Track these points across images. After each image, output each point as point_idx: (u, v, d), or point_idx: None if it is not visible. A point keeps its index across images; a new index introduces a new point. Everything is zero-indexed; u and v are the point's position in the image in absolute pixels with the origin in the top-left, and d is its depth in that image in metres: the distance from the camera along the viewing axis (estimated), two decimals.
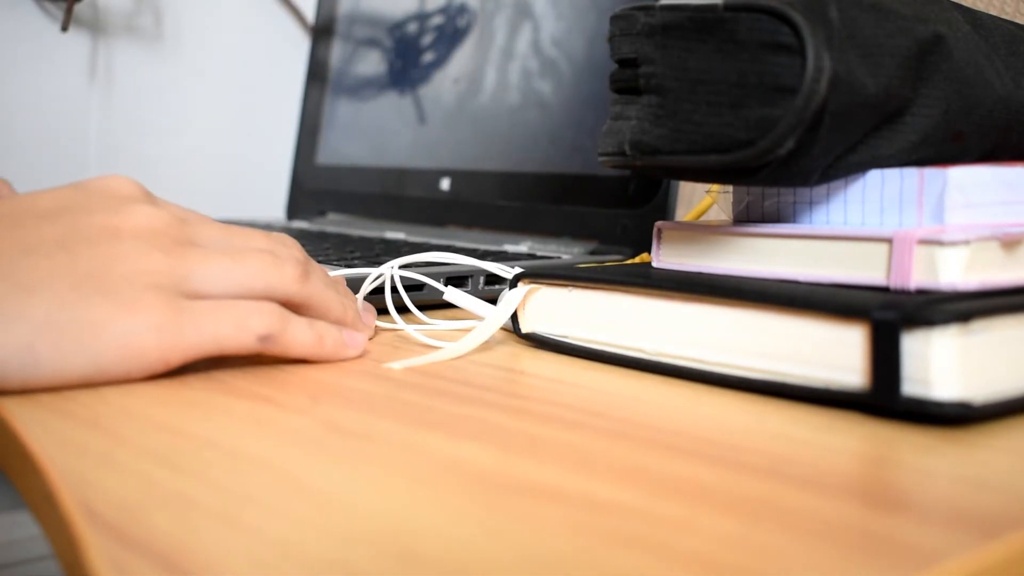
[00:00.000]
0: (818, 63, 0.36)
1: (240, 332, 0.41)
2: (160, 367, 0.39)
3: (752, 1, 0.37)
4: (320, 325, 0.44)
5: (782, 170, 0.38)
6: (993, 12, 0.71)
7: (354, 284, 0.53)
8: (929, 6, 0.42)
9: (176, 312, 0.39)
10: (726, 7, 0.38)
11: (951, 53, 0.41)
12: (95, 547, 0.25)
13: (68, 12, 0.96)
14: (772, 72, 0.37)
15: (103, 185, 0.42)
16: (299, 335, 0.43)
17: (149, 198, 0.43)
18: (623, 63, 0.42)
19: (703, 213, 0.59)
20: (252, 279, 0.42)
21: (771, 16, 0.37)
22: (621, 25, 0.42)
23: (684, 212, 0.91)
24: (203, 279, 0.41)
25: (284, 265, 0.43)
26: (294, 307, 0.44)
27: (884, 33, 0.39)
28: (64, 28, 0.96)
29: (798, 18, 0.36)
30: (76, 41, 1.01)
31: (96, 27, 1.02)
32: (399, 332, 0.51)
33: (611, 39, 0.42)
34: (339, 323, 0.45)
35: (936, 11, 0.42)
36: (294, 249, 0.46)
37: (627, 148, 0.41)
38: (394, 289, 0.53)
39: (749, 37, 0.37)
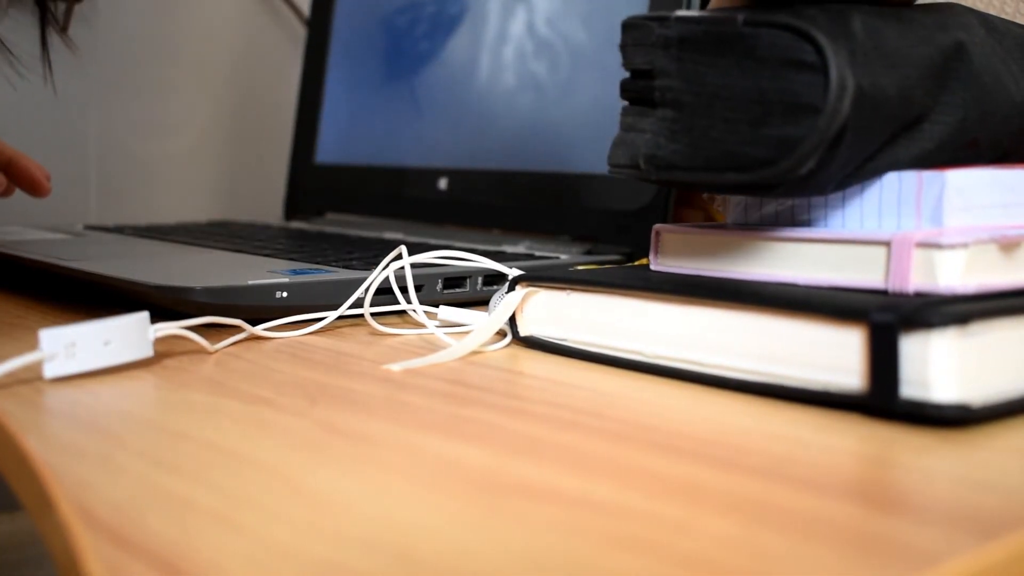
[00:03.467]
0: (841, 82, 0.35)
1: None
2: None
3: (773, 18, 0.37)
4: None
5: (800, 185, 0.38)
6: (992, 13, 0.71)
7: (354, 285, 0.53)
8: (945, 12, 0.42)
9: None
10: (745, 22, 0.37)
11: (971, 60, 0.41)
12: (91, 549, 0.24)
13: (68, 12, 0.96)
14: (793, 90, 0.36)
15: None
16: None
17: None
18: (636, 73, 0.41)
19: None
20: None
21: (793, 33, 0.36)
22: (634, 35, 0.41)
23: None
24: None
25: None
26: None
27: (908, 43, 0.38)
28: (64, 29, 0.96)
29: (821, 37, 0.36)
30: (76, 40, 1.01)
31: (96, 27, 1.02)
32: (398, 334, 0.51)
33: (623, 48, 0.42)
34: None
35: (953, 17, 0.42)
36: None
37: (642, 162, 0.40)
38: (390, 291, 0.53)
39: (770, 54, 0.37)
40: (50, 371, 0.40)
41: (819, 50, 0.36)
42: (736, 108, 0.38)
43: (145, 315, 0.43)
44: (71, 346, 0.40)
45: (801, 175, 0.37)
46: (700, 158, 0.39)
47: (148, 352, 0.43)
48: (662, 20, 0.40)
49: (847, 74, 0.36)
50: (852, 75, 0.36)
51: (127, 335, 0.42)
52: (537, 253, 0.68)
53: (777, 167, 0.37)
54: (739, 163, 0.38)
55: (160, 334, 0.43)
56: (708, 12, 0.39)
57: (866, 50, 0.37)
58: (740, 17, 0.37)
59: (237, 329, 0.49)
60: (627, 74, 0.42)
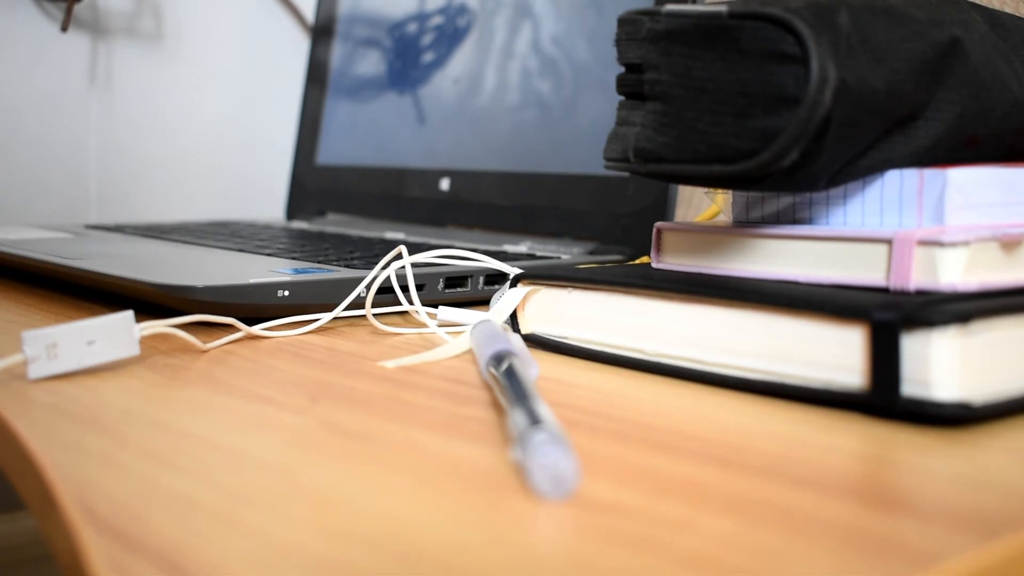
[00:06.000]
0: (822, 73, 0.35)
1: None
2: None
3: (756, 9, 0.37)
4: None
5: (788, 178, 0.38)
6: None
7: (356, 285, 0.53)
8: (945, 8, 0.41)
9: None
10: (730, 15, 0.37)
11: (968, 56, 0.41)
12: (95, 548, 0.25)
13: (68, 12, 0.96)
14: (776, 82, 0.36)
15: None
16: None
17: None
18: (630, 67, 0.42)
19: (711, 219, 0.59)
20: None
21: (775, 25, 0.36)
22: (627, 29, 0.41)
23: (684, 212, 0.91)
24: None
25: None
26: None
27: (898, 38, 0.38)
28: (64, 28, 0.96)
29: (802, 27, 0.36)
30: (76, 41, 1.01)
31: (96, 28, 1.02)
32: (399, 333, 0.51)
33: (618, 43, 0.42)
34: None
35: (953, 13, 0.41)
36: None
37: (631, 155, 0.41)
38: (391, 289, 0.53)
39: (753, 46, 0.37)
40: (34, 372, 0.40)
41: (801, 42, 0.36)
42: (722, 100, 0.38)
43: (130, 313, 0.43)
44: (53, 347, 0.41)
45: (785, 167, 0.37)
46: (687, 150, 0.39)
47: (135, 351, 0.43)
48: (652, 15, 0.40)
49: (829, 66, 0.36)
50: (835, 67, 0.36)
51: (111, 334, 0.42)
52: (539, 253, 0.68)
53: (760, 159, 0.37)
54: (725, 155, 0.38)
55: (146, 332, 0.43)
56: (697, 6, 0.39)
57: (851, 43, 0.37)
58: (725, 10, 0.38)
59: (234, 328, 0.49)
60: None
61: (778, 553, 0.23)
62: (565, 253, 0.68)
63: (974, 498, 0.27)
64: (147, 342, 0.48)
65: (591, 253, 0.69)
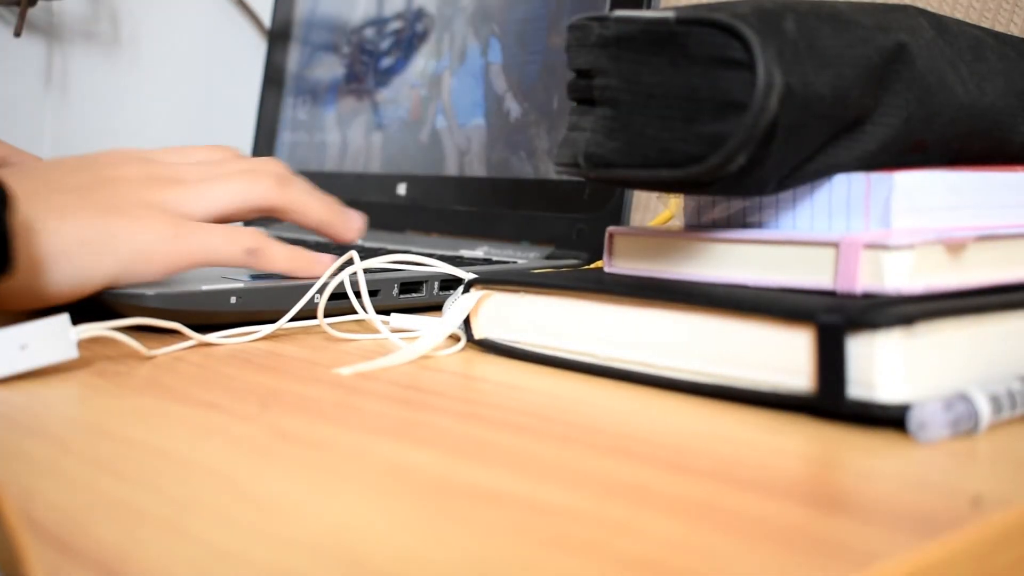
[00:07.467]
0: (768, 79, 0.36)
1: (231, 245, 0.51)
2: (166, 270, 0.50)
3: (704, 15, 0.37)
4: (296, 248, 0.54)
5: (736, 183, 0.38)
6: (973, 15, 0.71)
7: (305, 291, 0.53)
8: (892, 14, 0.42)
9: (177, 227, 0.50)
10: (678, 20, 0.38)
11: (914, 62, 0.41)
12: (36, 557, 0.24)
13: (21, 17, 0.95)
14: (723, 87, 0.37)
15: (109, 152, 0.55)
16: (279, 251, 0.53)
17: (142, 156, 0.55)
18: (579, 73, 0.42)
19: (664, 223, 0.59)
20: (234, 196, 0.54)
21: (722, 31, 0.37)
22: (577, 35, 0.42)
23: (640, 216, 0.91)
24: (194, 203, 0.52)
25: (260, 178, 0.55)
26: (278, 212, 0.56)
27: (844, 43, 0.39)
28: (17, 33, 0.95)
29: (749, 33, 0.36)
30: (31, 46, 1.00)
31: (51, 32, 1.01)
32: (353, 339, 0.51)
33: (568, 48, 0.42)
34: (321, 221, 0.58)
35: (900, 19, 0.42)
36: (273, 164, 0.57)
37: (581, 160, 0.41)
38: (345, 295, 0.53)
39: (701, 51, 0.37)
40: None
41: (747, 47, 0.36)
42: (670, 105, 0.38)
43: (65, 316, 0.42)
44: None
45: (733, 171, 0.37)
46: (636, 155, 0.39)
47: (72, 354, 0.42)
48: (602, 20, 0.40)
49: (775, 71, 0.36)
50: (781, 73, 0.36)
51: (46, 338, 0.42)
52: (495, 258, 0.68)
53: (707, 163, 0.37)
54: (673, 160, 0.38)
55: (84, 335, 0.43)
56: (646, 12, 0.39)
57: (798, 49, 0.37)
58: (673, 16, 0.38)
59: (185, 335, 0.48)
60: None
61: (721, 555, 0.24)
62: (521, 258, 0.68)
63: (915, 499, 0.27)
64: (93, 349, 0.47)
65: (548, 258, 0.69)
